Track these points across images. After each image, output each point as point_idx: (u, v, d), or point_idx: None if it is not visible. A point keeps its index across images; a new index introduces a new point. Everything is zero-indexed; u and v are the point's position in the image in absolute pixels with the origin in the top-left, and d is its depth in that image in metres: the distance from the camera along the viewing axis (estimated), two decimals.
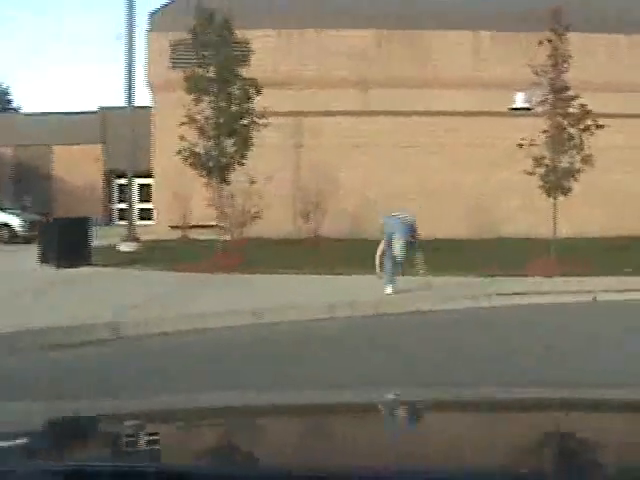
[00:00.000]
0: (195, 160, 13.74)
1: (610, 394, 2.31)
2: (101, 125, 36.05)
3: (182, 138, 13.59)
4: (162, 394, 4.26)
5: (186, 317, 9.75)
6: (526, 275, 12.87)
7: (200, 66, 13.73)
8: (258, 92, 14.02)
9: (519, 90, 24.51)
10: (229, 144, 13.78)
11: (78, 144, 35.83)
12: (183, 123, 14.01)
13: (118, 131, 25.67)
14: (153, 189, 27.49)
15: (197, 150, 13.97)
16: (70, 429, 1.83)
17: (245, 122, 13.67)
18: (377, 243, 11.87)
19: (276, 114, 24.91)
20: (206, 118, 13.88)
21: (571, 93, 13.24)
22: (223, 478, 1.33)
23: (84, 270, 14.15)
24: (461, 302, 11.26)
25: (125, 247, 17.79)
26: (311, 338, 9.26)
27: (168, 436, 1.80)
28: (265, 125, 13.73)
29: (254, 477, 1.35)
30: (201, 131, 13.84)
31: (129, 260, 14.91)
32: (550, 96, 13.36)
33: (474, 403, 2.15)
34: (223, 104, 13.52)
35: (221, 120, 13.50)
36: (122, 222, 39.44)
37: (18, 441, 1.67)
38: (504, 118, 24.35)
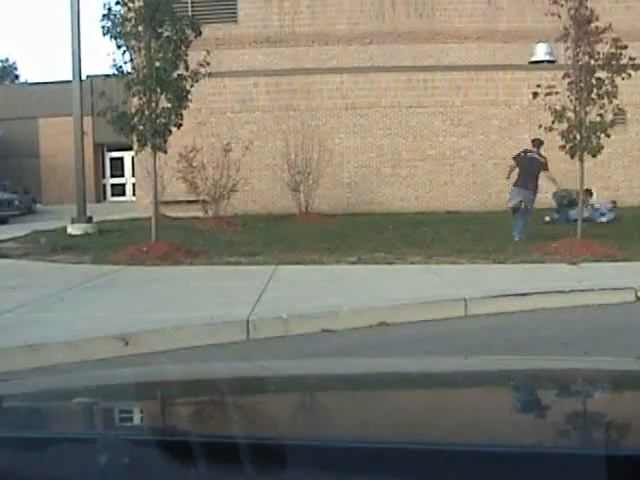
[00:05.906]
0: (123, 123, 11.04)
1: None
2: (91, 95, 33.55)
3: (102, 94, 10.86)
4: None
5: None
6: (543, 261, 10.03)
7: (121, 2, 10.94)
8: (198, 34, 11.23)
9: (540, 42, 21.78)
10: (163, 101, 11.05)
11: (67, 115, 33.51)
12: (107, 76, 11.31)
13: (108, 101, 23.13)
14: (135, 162, 24.87)
15: (125, 110, 11.27)
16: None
17: (180, 72, 10.90)
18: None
19: (258, 74, 22.28)
20: (134, 69, 11.18)
21: (599, 24, 10.34)
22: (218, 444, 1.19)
23: None
24: None
25: (74, 229, 15.21)
26: None
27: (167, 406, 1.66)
28: (207, 74, 10.96)
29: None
30: (128, 86, 11.12)
31: (61, 247, 12.22)
32: (572, 30, 10.48)
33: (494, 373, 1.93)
34: (152, 50, 10.75)
35: (146, 70, 10.72)
36: (116, 198, 37.50)
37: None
38: (522, 72, 21.61)
